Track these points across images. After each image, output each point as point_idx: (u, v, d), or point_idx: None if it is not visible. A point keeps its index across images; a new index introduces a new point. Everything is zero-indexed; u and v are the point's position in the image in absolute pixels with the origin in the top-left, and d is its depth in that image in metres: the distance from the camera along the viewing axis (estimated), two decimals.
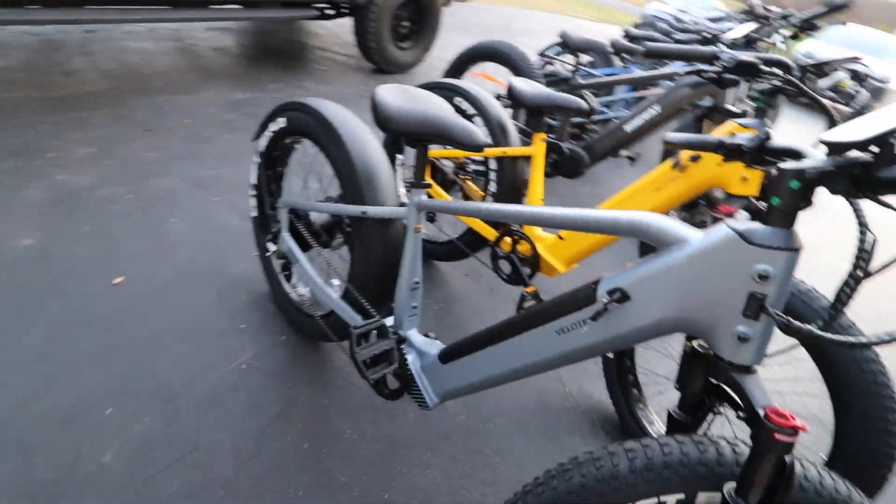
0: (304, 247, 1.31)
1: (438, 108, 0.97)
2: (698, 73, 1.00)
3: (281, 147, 1.39)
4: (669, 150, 1.63)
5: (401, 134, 0.93)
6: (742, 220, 0.59)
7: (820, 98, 0.96)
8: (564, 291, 0.79)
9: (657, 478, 0.63)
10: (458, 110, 1.65)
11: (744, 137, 0.72)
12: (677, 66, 2.95)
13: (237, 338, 1.41)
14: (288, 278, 1.42)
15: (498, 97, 2.62)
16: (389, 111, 0.92)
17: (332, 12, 3.67)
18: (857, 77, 1.33)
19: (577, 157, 2.11)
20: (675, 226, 0.62)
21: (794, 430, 0.51)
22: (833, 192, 0.54)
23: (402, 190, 1.37)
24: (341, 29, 4.74)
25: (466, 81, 1.64)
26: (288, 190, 1.51)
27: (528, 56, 2.21)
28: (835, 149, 0.53)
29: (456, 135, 0.89)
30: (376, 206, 1.03)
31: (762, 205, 1.16)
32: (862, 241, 0.54)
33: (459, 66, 2.49)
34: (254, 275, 1.61)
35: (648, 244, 0.68)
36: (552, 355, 0.77)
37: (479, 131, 0.90)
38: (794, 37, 1.72)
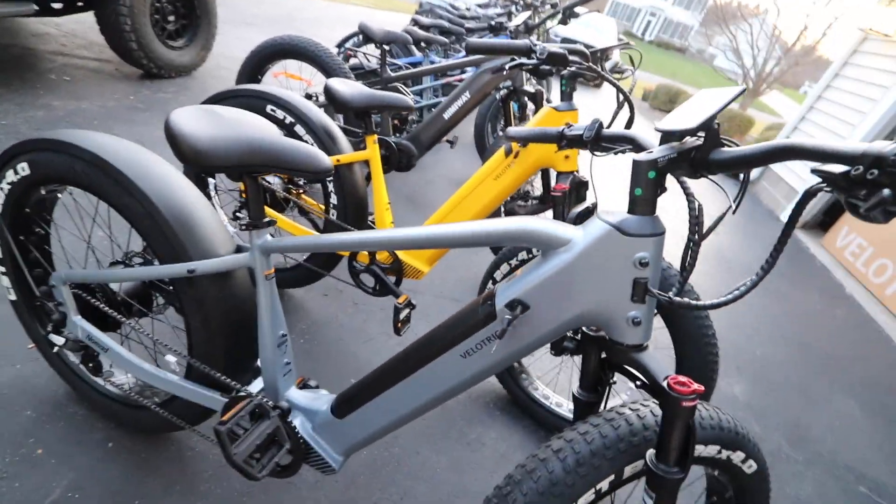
0: (110, 326, 0.99)
1: (261, 130, 0.80)
2: (519, 65, 1.06)
3: (33, 203, 1.01)
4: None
5: (221, 170, 0.75)
6: (610, 213, 0.63)
7: (611, 78, 1.12)
8: (455, 313, 0.75)
9: (590, 469, 0.65)
10: (274, 121, 1.45)
11: (581, 128, 0.77)
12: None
13: (38, 469, 1.01)
14: (96, 370, 1.06)
15: (307, 97, 2.42)
16: (199, 143, 0.72)
17: (58, 6, 2.84)
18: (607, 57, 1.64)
19: (407, 151, 2.10)
20: (558, 229, 0.63)
21: (696, 394, 0.57)
22: (676, 176, 0.60)
23: (230, 227, 1.13)
24: (81, 27, 3.74)
25: (270, 85, 1.45)
26: (63, 255, 1.12)
27: (332, 51, 2.07)
28: (669, 136, 0.59)
29: (293, 162, 0.76)
30: (206, 260, 0.82)
31: (582, 176, 1.30)
32: (692, 210, 0.63)
33: (256, 66, 2.20)
34: (33, 376, 1.18)
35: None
36: (461, 380, 0.73)
37: (319, 152, 0.78)
38: (563, 22, 1.99)
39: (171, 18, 3.32)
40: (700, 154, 0.57)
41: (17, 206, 0.98)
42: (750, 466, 0.77)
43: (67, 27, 3.88)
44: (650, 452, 0.64)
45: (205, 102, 1.50)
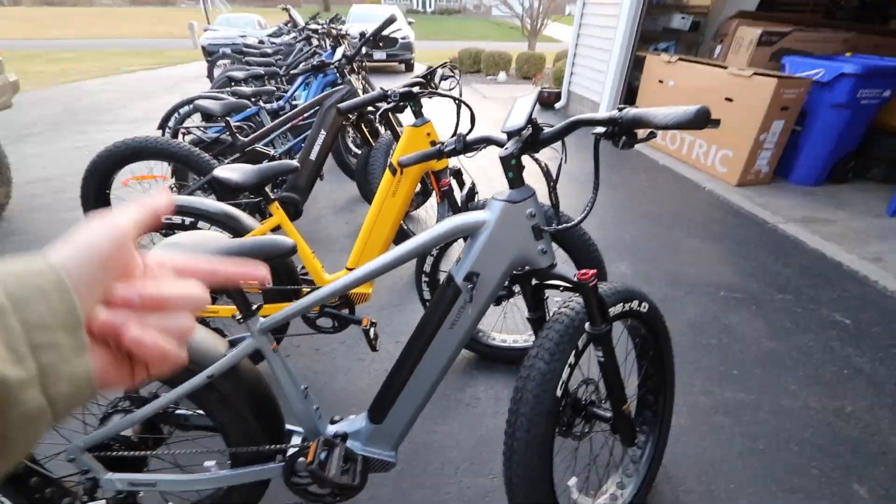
0: (138, 467, 1.06)
1: (220, 240, 0.95)
2: (386, 111, 1.32)
3: None
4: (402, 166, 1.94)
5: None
6: (498, 193, 0.94)
7: (446, 94, 1.44)
8: (429, 305, 1.01)
9: (560, 353, 0.97)
10: (173, 226, 1.52)
11: (452, 142, 1.06)
12: (296, 84, 3.29)
13: None
14: None
15: (172, 188, 2.39)
16: None
17: None
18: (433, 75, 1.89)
19: (293, 202, 2.23)
20: (475, 217, 0.92)
21: (595, 276, 0.92)
22: (527, 154, 0.92)
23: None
24: None
25: (125, 190, 1.48)
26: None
27: (177, 141, 2.08)
28: (512, 134, 0.91)
29: (263, 254, 0.93)
30: (219, 361, 0.96)
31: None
32: (543, 170, 0.96)
33: (100, 182, 2.10)
34: None
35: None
36: (457, 344, 1.00)
37: (276, 238, 0.96)
38: (376, 46, 2.27)
39: None
40: (533, 138, 0.91)
41: None
42: (644, 307, 1.17)
43: None
44: (587, 325, 0.99)
45: None
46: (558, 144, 0.92)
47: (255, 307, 0.98)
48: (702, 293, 2.35)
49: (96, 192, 2.12)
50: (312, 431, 1.08)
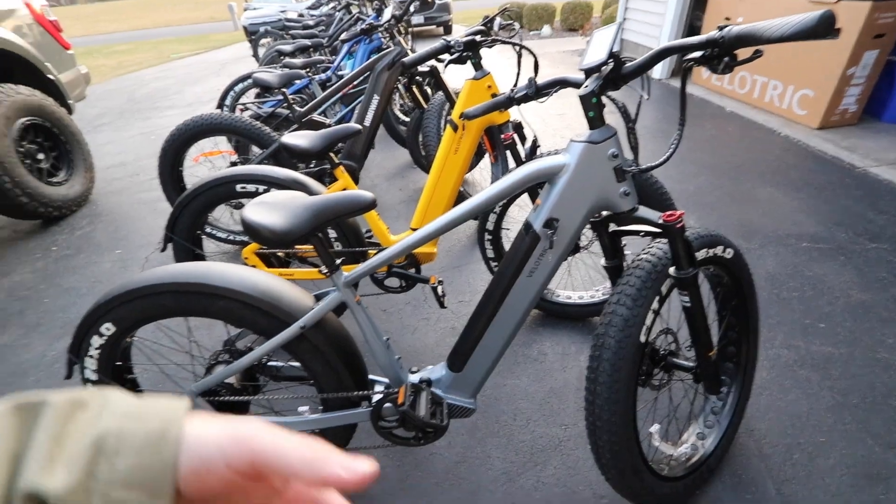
0: (242, 412, 1.17)
1: (305, 199, 0.98)
2: (449, 62, 1.29)
3: (119, 355, 1.14)
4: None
5: (298, 241, 0.94)
6: (577, 135, 0.90)
7: (508, 40, 1.38)
8: (506, 251, 1.01)
9: (642, 299, 0.95)
10: (247, 195, 1.59)
11: (522, 89, 1.03)
12: (342, 53, 3.30)
13: None
14: None
15: (233, 165, 2.50)
16: (277, 227, 0.90)
17: None
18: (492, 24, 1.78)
19: (351, 170, 2.27)
20: (554, 161, 0.90)
21: (681, 218, 0.88)
22: (603, 93, 0.88)
23: None
24: None
25: (196, 166, 1.55)
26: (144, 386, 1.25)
27: (239, 117, 2.16)
28: (592, 71, 0.87)
29: (347, 208, 0.96)
30: (310, 313, 1.02)
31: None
32: (621, 110, 0.91)
33: (173, 159, 2.24)
34: None
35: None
36: (535, 292, 0.99)
37: (358, 192, 0.99)
38: (425, 4, 2.22)
39: (41, 157, 3.16)
40: (614, 74, 0.86)
41: (110, 362, 1.11)
42: (729, 253, 1.11)
43: None
44: (671, 269, 0.95)
45: (174, 211, 1.61)
46: (635, 82, 0.87)
47: (337, 263, 1.02)
48: (780, 244, 2.20)
49: (170, 170, 2.27)
50: (395, 379, 1.13)
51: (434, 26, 10.24)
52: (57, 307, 2.23)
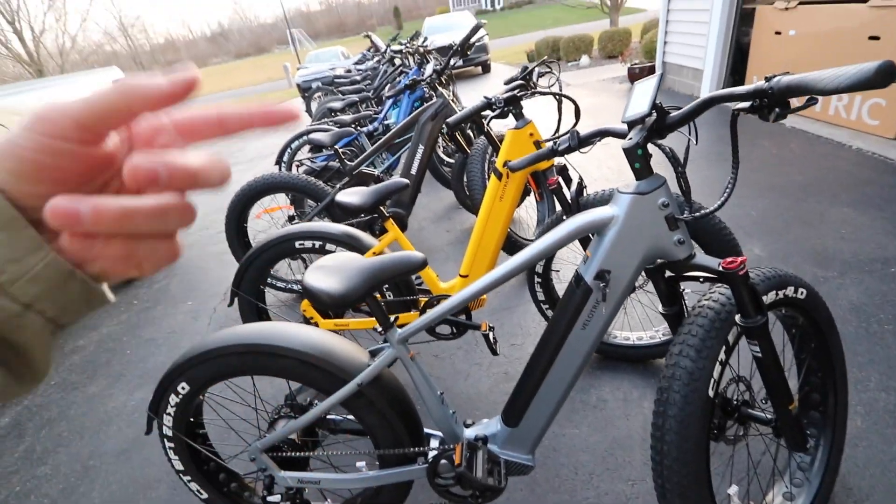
0: (303, 467, 1.20)
1: (360, 261, 1.03)
2: (491, 118, 1.35)
3: (192, 411, 1.22)
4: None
5: (355, 303, 0.98)
6: (624, 186, 0.89)
7: (549, 91, 1.42)
8: (556, 308, 1.00)
9: (707, 350, 0.90)
10: (306, 251, 1.69)
11: (565, 141, 1.04)
12: (387, 105, 3.47)
13: None
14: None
15: (291, 218, 2.67)
16: (335, 292, 0.96)
17: None
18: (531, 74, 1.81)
19: (400, 217, 2.36)
20: (602, 213, 0.89)
21: (743, 264, 0.84)
22: (651, 142, 0.87)
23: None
24: None
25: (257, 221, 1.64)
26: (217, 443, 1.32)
27: (297, 175, 2.32)
28: (634, 123, 0.87)
29: (399, 270, 1.00)
30: (366, 370, 1.05)
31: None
32: (669, 156, 0.90)
33: (239, 216, 2.43)
34: None
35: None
36: (590, 345, 0.97)
37: (409, 253, 1.03)
38: (464, 55, 2.32)
39: None
40: (658, 124, 0.85)
41: (184, 418, 1.19)
42: (802, 293, 1.03)
43: None
44: (737, 317, 0.90)
45: (240, 268, 1.73)
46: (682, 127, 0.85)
47: (392, 320, 1.05)
48: (863, 271, 2.00)
49: (236, 226, 2.46)
50: (450, 434, 1.12)
51: (472, 66, 10.60)
52: (137, 358, 2.42)
